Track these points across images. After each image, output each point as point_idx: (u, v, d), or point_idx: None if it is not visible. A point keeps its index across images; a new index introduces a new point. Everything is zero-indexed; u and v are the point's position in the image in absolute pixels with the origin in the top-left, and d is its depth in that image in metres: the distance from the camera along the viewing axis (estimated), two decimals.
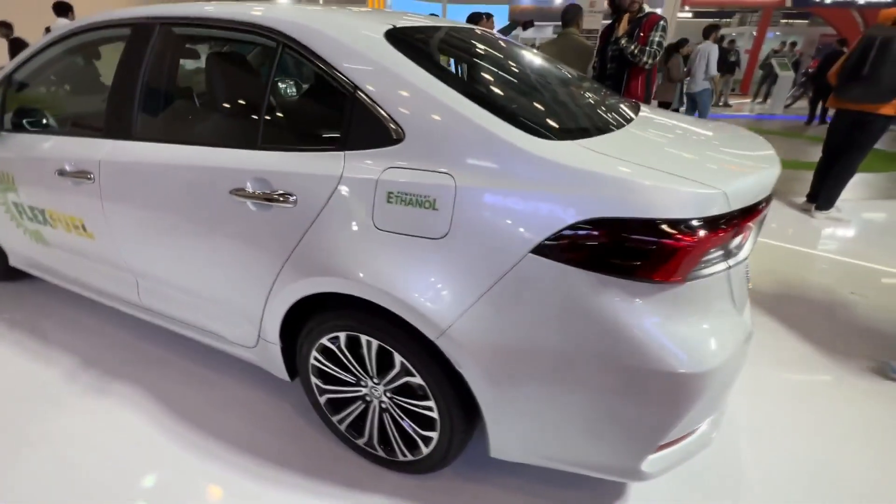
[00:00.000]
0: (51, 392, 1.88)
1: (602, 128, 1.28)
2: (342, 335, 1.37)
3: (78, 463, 1.57)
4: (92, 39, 1.97)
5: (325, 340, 1.42)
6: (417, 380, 1.29)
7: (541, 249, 1.03)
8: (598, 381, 1.07)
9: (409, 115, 1.17)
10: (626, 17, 3.68)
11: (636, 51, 3.53)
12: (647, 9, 3.73)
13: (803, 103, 10.78)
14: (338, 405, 1.55)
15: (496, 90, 1.40)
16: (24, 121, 1.95)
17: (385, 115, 1.19)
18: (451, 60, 1.68)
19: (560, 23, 4.24)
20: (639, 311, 1.01)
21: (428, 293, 1.13)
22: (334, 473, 1.53)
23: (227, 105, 1.67)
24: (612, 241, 0.99)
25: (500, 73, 1.53)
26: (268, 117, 1.44)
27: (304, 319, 1.45)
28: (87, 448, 1.63)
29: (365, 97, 1.22)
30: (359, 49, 1.26)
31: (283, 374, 1.61)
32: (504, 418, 1.21)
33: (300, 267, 1.32)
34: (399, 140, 1.17)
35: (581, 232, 1.00)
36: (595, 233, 0.99)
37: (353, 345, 1.39)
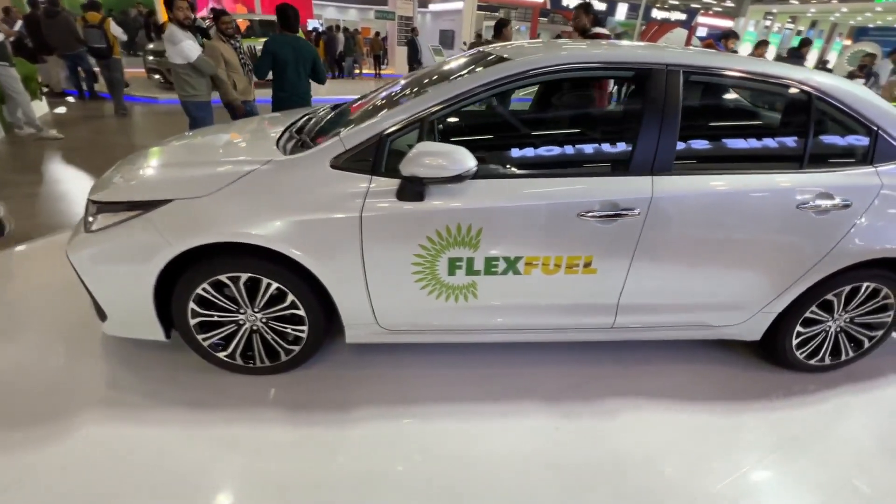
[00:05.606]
0: (576, 430, 1.96)
1: None
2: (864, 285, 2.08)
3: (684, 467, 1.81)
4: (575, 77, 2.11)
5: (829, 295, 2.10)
6: None
7: None
8: None
9: None
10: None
11: None
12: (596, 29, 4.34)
13: None
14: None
15: None
16: (507, 165, 1.94)
17: None
18: None
19: None
20: None
21: None
22: None
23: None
24: None
25: None
26: (814, 147, 1.98)
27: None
28: (666, 452, 1.87)
29: (887, 136, 1.96)
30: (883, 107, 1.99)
31: (753, 335, 2.23)
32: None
33: (852, 248, 1.95)
34: None
35: None
36: None
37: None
